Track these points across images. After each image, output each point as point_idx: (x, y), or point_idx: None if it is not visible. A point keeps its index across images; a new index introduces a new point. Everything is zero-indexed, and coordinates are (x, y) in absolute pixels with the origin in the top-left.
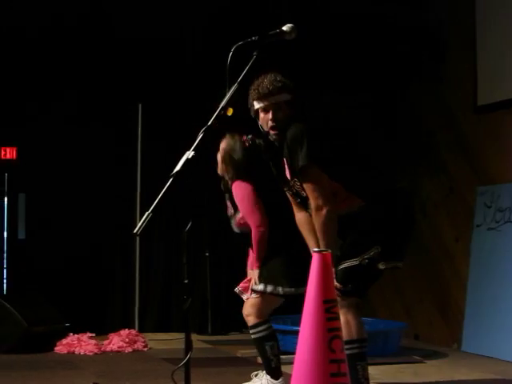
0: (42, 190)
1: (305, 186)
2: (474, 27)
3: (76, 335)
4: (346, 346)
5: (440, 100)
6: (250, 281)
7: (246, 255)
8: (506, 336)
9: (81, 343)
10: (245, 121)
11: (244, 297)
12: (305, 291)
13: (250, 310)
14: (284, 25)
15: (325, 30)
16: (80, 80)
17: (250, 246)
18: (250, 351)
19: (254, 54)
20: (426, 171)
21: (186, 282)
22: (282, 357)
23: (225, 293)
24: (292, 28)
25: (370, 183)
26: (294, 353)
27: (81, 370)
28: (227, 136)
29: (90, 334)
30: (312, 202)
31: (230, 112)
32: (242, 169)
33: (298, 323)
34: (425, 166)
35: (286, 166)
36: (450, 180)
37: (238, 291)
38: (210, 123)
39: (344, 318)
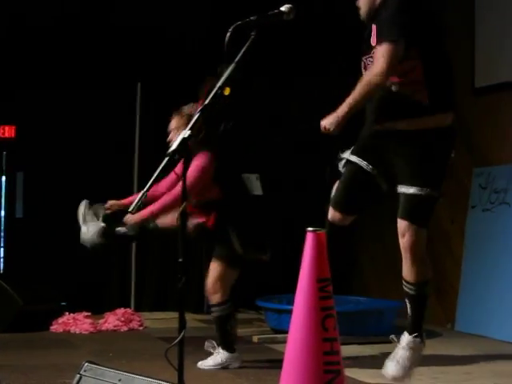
0: (40, 168)
1: (379, 52)
2: (473, 9)
3: (72, 314)
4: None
5: None
6: None
7: None
8: (500, 316)
9: (76, 322)
10: None
11: None
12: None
13: (216, 287)
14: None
15: (325, 14)
16: (79, 59)
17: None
18: (245, 330)
19: (252, 34)
20: None
21: (180, 260)
22: (277, 336)
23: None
24: (290, 8)
25: (446, 93)
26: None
27: (76, 348)
28: (181, 112)
29: (86, 313)
30: (376, 63)
31: (227, 91)
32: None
33: (293, 302)
34: None
35: (374, 32)
36: None
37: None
38: (206, 103)
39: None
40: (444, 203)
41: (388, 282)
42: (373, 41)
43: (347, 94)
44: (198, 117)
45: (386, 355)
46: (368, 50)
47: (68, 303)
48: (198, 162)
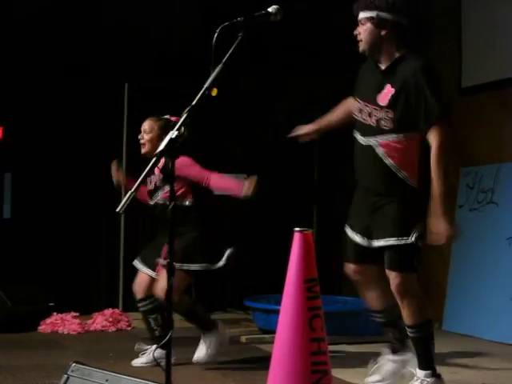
0: (28, 169)
1: (443, 134)
2: (459, 10)
3: (60, 315)
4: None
5: None
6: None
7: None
8: (487, 315)
9: (64, 322)
10: None
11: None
12: None
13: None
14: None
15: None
16: (67, 60)
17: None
18: (233, 330)
19: (239, 34)
20: None
21: (168, 261)
22: (265, 336)
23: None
24: (277, 9)
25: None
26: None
27: (64, 349)
28: (157, 118)
29: (74, 314)
30: (439, 141)
31: (214, 92)
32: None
33: (280, 302)
34: None
35: (387, 92)
36: None
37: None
38: (193, 103)
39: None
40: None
41: None
42: (381, 99)
43: (333, 94)
44: (186, 117)
45: (373, 355)
46: (372, 100)
47: (56, 304)
48: (186, 160)
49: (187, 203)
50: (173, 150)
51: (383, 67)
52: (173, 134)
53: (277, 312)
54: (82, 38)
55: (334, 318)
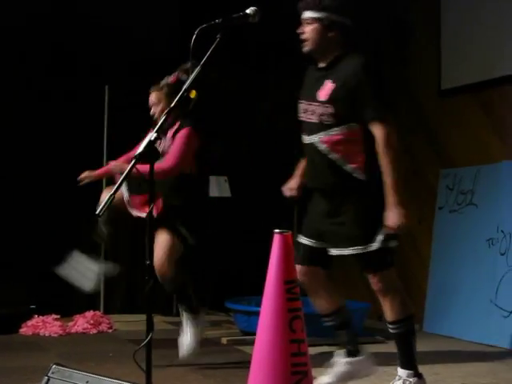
0: (7, 171)
1: (384, 134)
2: (438, 10)
3: (41, 317)
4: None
5: (404, 84)
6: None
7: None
8: (467, 316)
9: (46, 325)
10: None
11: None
12: None
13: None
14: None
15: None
16: (47, 61)
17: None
18: (214, 332)
19: (218, 36)
20: None
21: (148, 263)
22: (246, 337)
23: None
24: (255, 11)
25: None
26: None
27: (45, 351)
28: (158, 86)
29: (55, 316)
30: (388, 142)
31: (193, 94)
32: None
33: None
34: None
35: (327, 88)
36: (414, 163)
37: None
38: (172, 105)
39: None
40: (412, 204)
41: (356, 283)
42: (321, 95)
43: None
44: (164, 119)
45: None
46: (313, 97)
47: (37, 306)
48: (184, 134)
49: (188, 171)
50: (152, 152)
51: (324, 64)
52: (152, 135)
53: (258, 314)
54: (62, 40)
55: (314, 320)
